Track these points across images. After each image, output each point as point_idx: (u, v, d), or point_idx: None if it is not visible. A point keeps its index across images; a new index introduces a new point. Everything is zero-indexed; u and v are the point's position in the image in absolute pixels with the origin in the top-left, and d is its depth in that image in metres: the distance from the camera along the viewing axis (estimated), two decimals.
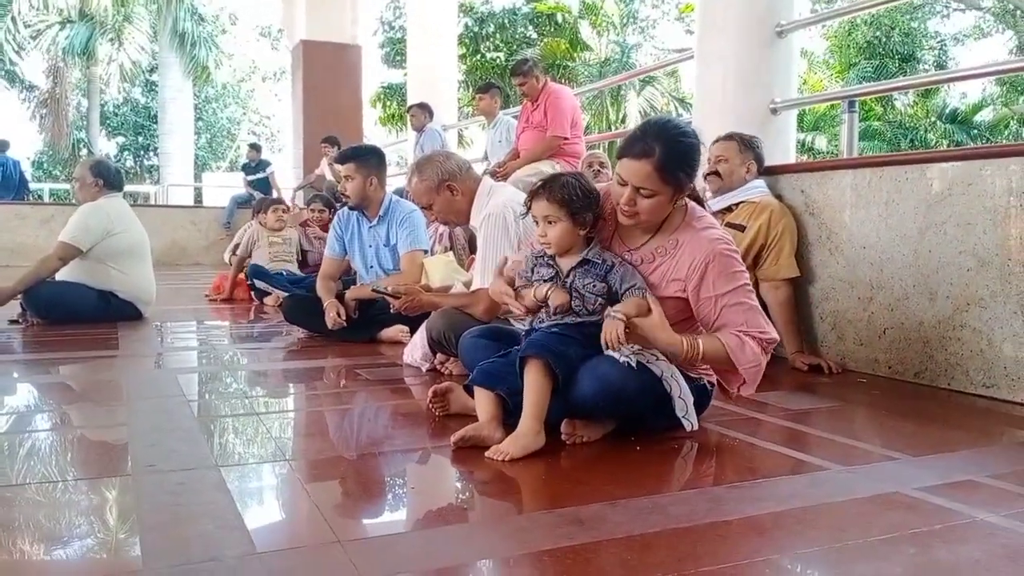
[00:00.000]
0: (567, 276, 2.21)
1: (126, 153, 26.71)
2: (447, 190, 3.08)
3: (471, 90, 8.13)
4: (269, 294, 5.78)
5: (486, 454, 2.00)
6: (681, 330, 2.15)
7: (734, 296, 2.14)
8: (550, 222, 2.20)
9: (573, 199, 2.18)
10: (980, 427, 2.50)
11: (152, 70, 22.69)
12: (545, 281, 2.22)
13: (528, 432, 2.04)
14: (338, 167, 4.24)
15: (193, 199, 17.94)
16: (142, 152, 26.75)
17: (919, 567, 1.41)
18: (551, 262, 2.25)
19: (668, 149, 2.07)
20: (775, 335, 2.19)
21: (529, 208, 2.26)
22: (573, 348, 2.12)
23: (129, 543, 1.52)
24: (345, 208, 4.29)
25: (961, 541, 1.52)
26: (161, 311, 5.09)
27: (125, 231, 4.62)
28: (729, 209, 3.57)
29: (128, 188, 18.45)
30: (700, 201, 2.32)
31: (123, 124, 26.42)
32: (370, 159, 4.07)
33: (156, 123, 21.58)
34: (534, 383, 2.08)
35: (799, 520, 1.64)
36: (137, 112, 26.42)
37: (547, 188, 2.21)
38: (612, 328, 2.04)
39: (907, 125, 20.00)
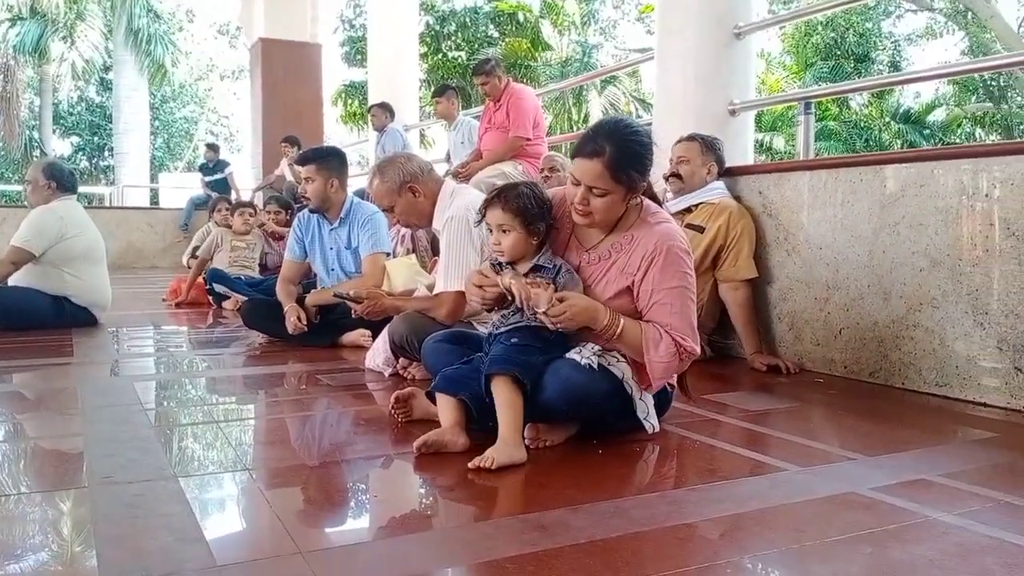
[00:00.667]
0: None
1: (80, 153, 26.19)
2: (409, 192, 3.07)
3: (432, 89, 8.12)
4: (228, 298, 5.71)
5: (470, 464, 1.97)
6: None
7: (670, 295, 2.16)
8: (504, 231, 2.22)
9: (527, 208, 2.21)
10: (933, 426, 2.56)
11: (107, 68, 22.26)
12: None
13: (509, 442, 2.03)
14: (299, 169, 4.21)
15: (149, 200, 17.64)
16: (97, 152, 26.25)
17: (875, 567, 1.44)
18: (507, 268, 2.26)
19: (619, 148, 2.11)
20: (697, 350, 2.20)
21: (483, 216, 2.27)
22: (534, 356, 2.14)
23: (85, 557, 1.49)
24: (306, 210, 4.25)
25: (915, 541, 1.56)
26: (117, 316, 5.00)
27: (79, 234, 4.53)
28: (689, 210, 3.61)
29: (82, 189, 18.10)
30: (656, 200, 2.34)
31: (78, 123, 25.91)
32: (331, 161, 4.04)
33: (111, 122, 21.20)
34: (506, 399, 2.08)
35: (758, 521, 1.67)
36: (92, 111, 25.92)
37: (501, 197, 2.23)
38: (532, 289, 2.09)
39: (862, 125, 20.36)
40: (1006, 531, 1.60)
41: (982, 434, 2.43)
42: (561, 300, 2.10)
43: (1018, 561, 1.46)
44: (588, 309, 2.14)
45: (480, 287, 2.21)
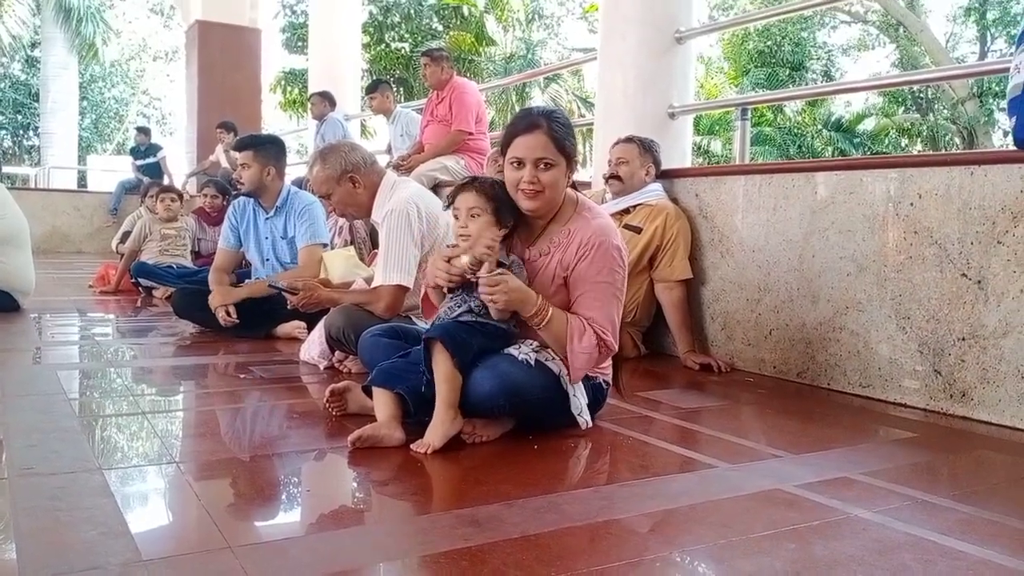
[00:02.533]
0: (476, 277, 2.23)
1: (3, 132, 25.14)
2: (349, 182, 3.04)
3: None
4: (156, 288, 5.57)
5: (411, 446, 2.04)
6: None
7: (597, 289, 2.21)
8: (473, 215, 2.21)
9: (499, 197, 2.23)
10: (856, 425, 2.64)
11: (34, 45, 21.41)
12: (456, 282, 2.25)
13: (444, 420, 2.08)
14: (235, 154, 4.13)
15: (77, 183, 17.06)
16: (21, 132, 25.23)
17: (798, 562, 1.49)
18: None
19: (554, 121, 2.19)
20: (615, 346, 2.25)
21: (452, 202, 2.26)
22: (475, 338, 2.15)
23: (4, 550, 1.44)
24: (241, 197, 4.17)
25: (836, 537, 1.61)
26: (40, 302, 4.83)
27: (2, 217, 4.36)
28: (627, 211, 3.65)
29: (5, 170, 17.41)
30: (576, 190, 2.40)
31: (0, 101, 24.86)
32: (269, 148, 3.99)
33: (37, 101, 20.39)
34: (443, 372, 2.09)
35: (687, 517, 1.71)
36: (16, 89, 24.88)
37: (475, 183, 2.25)
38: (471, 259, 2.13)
39: (796, 132, 20.89)
40: (923, 528, 1.67)
41: (902, 434, 2.52)
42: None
43: (933, 557, 1.53)
44: (520, 290, 2.16)
45: (447, 262, 2.22)
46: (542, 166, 2.17)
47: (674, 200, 3.72)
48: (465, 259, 2.16)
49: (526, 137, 2.18)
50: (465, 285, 2.22)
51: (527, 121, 2.19)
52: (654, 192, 3.67)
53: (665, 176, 3.79)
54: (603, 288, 2.20)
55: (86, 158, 21.01)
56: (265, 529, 1.64)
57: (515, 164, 2.19)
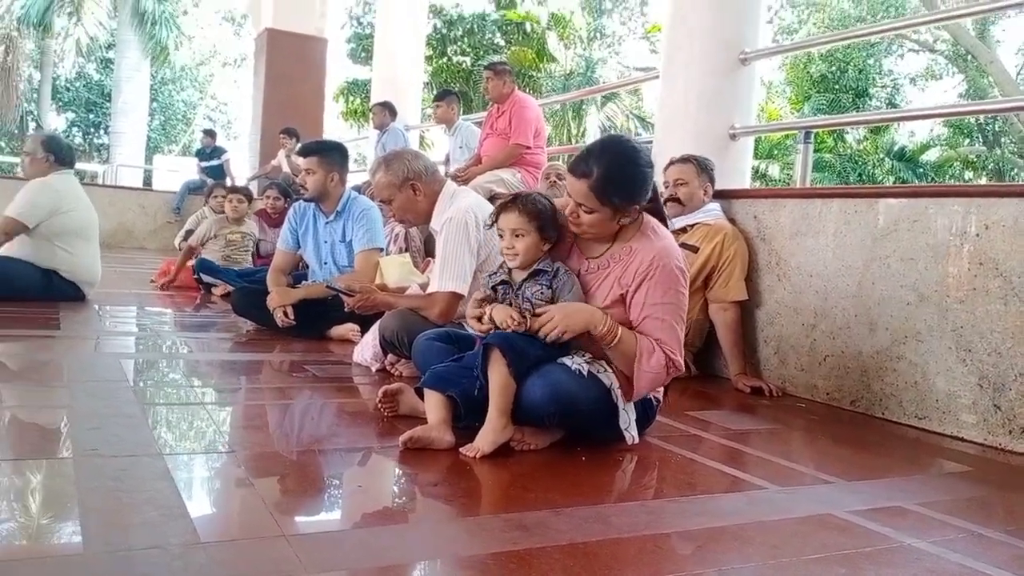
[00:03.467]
0: (519, 287, 2.26)
1: (75, 129, 26.04)
2: (410, 189, 3.09)
3: (435, 93, 8.21)
4: (217, 285, 5.70)
5: (461, 450, 2.08)
6: None
7: (662, 310, 2.20)
8: (518, 235, 2.25)
9: (542, 213, 2.25)
10: (910, 456, 2.59)
11: (109, 47, 22.17)
12: (496, 290, 2.30)
13: (496, 428, 2.10)
14: (300, 160, 4.23)
15: (143, 181, 17.57)
16: (92, 130, 26.12)
17: None
18: (505, 275, 2.31)
19: (606, 173, 2.15)
20: (682, 365, 2.25)
21: (495, 220, 2.29)
22: (534, 349, 2.16)
23: (69, 527, 1.50)
24: (301, 201, 4.26)
25: (889, 564, 1.59)
26: (104, 294, 4.99)
27: (74, 210, 4.52)
28: (684, 230, 3.64)
29: (77, 165, 18.01)
30: (662, 215, 2.38)
31: (74, 100, 25.76)
32: (334, 155, 4.07)
33: (109, 101, 21.10)
34: (498, 381, 2.12)
35: (735, 536, 1.69)
36: (90, 88, 25.79)
37: (518, 202, 2.27)
38: (507, 313, 2.15)
39: (857, 159, 20.54)
40: (977, 561, 1.63)
41: (958, 467, 2.46)
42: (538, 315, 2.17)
43: None
44: (579, 312, 2.17)
45: (478, 319, 2.27)
46: (584, 209, 2.20)
47: (731, 221, 3.70)
48: (483, 328, 2.22)
49: (573, 180, 2.19)
50: (507, 284, 2.28)
51: (582, 166, 2.16)
52: (712, 212, 3.65)
53: (724, 196, 3.77)
54: (669, 309, 2.20)
55: (153, 158, 21.64)
56: (317, 521, 1.68)
57: (568, 192, 2.23)
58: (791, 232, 3.49)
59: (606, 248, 2.30)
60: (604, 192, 2.15)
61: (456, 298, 2.94)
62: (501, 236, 2.29)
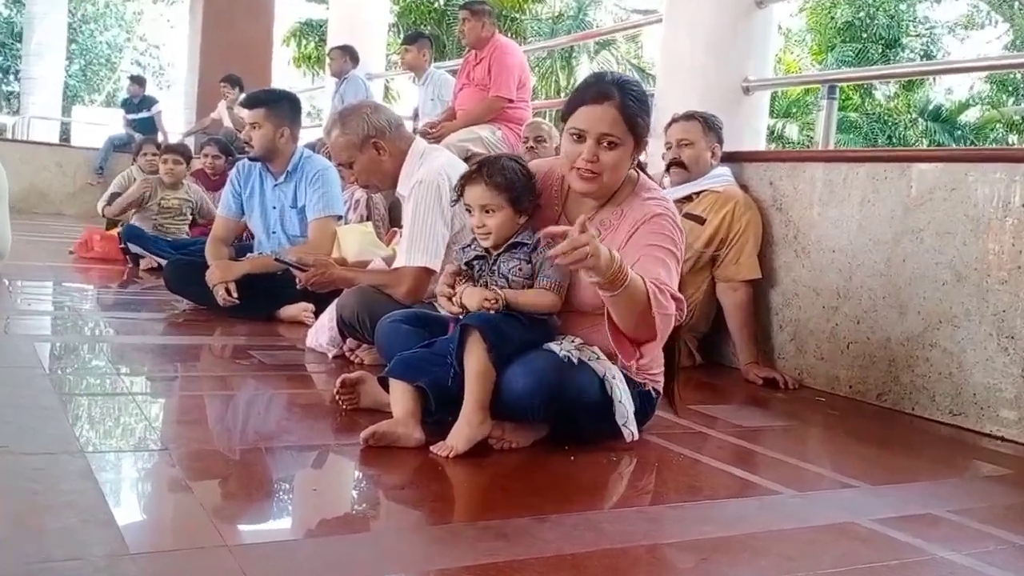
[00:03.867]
0: (494, 261, 2.27)
1: None
2: (373, 148, 3.07)
3: (402, 36, 8.12)
4: (145, 256, 5.65)
5: (431, 448, 2.07)
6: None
7: (656, 251, 2.21)
8: (488, 211, 2.24)
9: (515, 184, 2.25)
10: (944, 457, 2.63)
11: None
12: (471, 265, 2.31)
13: (472, 423, 2.10)
14: (244, 112, 4.19)
15: (60, 136, 17.32)
16: (0, 75, 25.70)
17: None
18: (480, 248, 2.32)
19: (628, 92, 2.19)
20: (682, 315, 2.19)
21: (460, 195, 2.29)
22: (518, 332, 2.16)
23: None
24: (246, 160, 4.23)
25: None
26: (15, 267, 4.92)
27: None
28: (689, 198, 3.64)
29: None
30: (643, 171, 2.41)
31: None
32: (283, 106, 4.03)
33: (19, 42, 20.73)
34: (477, 363, 2.11)
35: (745, 546, 1.71)
36: None
37: (484, 172, 2.26)
38: (482, 296, 2.16)
39: (886, 119, 20.68)
40: (1018, 575, 1.66)
41: (997, 470, 2.50)
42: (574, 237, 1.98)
43: None
44: (599, 247, 2.00)
45: (449, 298, 2.28)
46: (606, 144, 2.19)
47: (743, 187, 3.71)
48: (455, 309, 2.24)
49: (593, 108, 2.18)
50: (482, 259, 2.29)
51: (597, 89, 2.20)
52: (721, 177, 3.66)
53: (735, 160, 3.78)
54: (663, 253, 2.20)
55: (71, 109, 21.35)
56: (265, 529, 1.68)
57: (575, 136, 2.21)
58: (811, 201, 3.50)
59: (595, 213, 2.31)
60: (630, 111, 2.19)
61: (426, 274, 2.93)
62: (469, 212, 2.28)
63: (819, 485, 2.18)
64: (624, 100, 2.18)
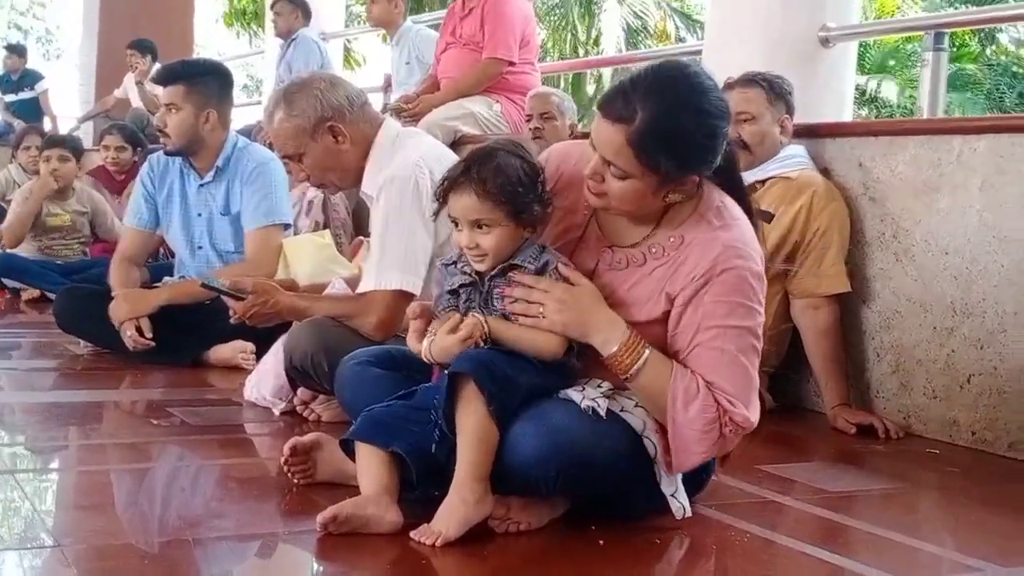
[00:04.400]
0: (485, 287, 2.25)
1: None
2: (328, 134, 3.08)
3: None
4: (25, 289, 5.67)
5: (412, 534, 2.05)
6: None
7: (722, 338, 2.17)
8: (481, 227, 2.21)
9: (517, 192, 2.19)
10: None
11: None
12: (456, 293, 2.29)
13: (467, 499, 2.08)
14: (155, 90, 4.22)
15: None
16: None
17: None
18: (470, 271, 2.27)
19: (656, 120, 2.10)
20: (753, 421, 2.20)
21: (443, 204, 2.26)
22: (524, 374, 2.15)
23: None
24: (160, 153, 4.25)
25: None
26: None
27: None
28: (753, 188, 3.64)
29: None
30: (738, 186, 2.33)
31: None
32: (208, 82, 4.06)
33: None
34: (473, 420, 2.10)
35: None
36: None
37: (475, 175, 2.21)
38: (458, 340, 2.15)
39: (1015, 72, 20.67)
40: None
41: None
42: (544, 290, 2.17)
43: None
44: (590, 312, 2.16)
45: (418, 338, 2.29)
46: (612, 169, 2.16)
47: (824, 172, 3.71)
48: (434, 352, 2.22)
49: (603, 124, 2.14)
50: (475, 284, 2.26)
51: (618, 105, 2.11)
52: (794, 160, 3.66)
53: (812, 135, 3.78)
54: (733, 336, 2.17)
55: None
56: None
57: (592, 143, 2.20)
58: (915, 187, 3.50)
59: (645, 235, 2.29)
60: (648, 150, 2.10)
61: (403, 299, 2.91)
62: (456, 225, 2.26)
63: (934, 569, 2.17)
64: (642, 131, 2.09)
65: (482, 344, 2.15)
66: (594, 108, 2.22)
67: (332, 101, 3.09)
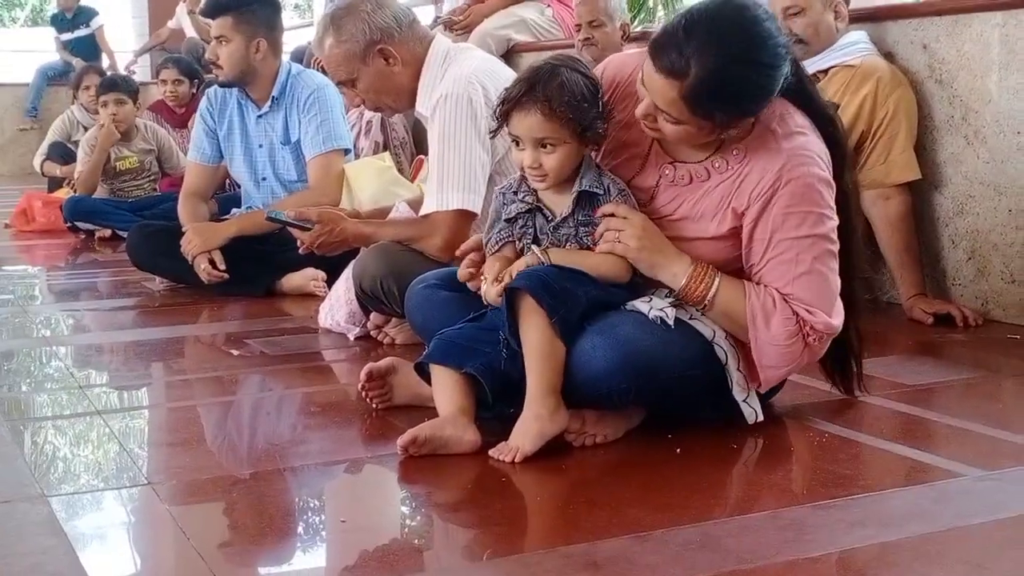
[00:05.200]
0: (556, 224, 2.25)
1: None
2: (379, 57, 3.07)
3: None
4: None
5: (491, 452, 2.09)
6: None
7: (796, 247, 2.17)
8: (547, 145, 2.20)
9: (582, 108, 2.18)
10: None
11: None
12: (517, 220, 2.29)
13: (541, 415, 2.10)
14: (207, 21, 4.22)
15: None
16: None
17: None
18: (531, 199, 2.27)
19: (711, 76, 2.06)
20: (836, 326, 2.21)
21: (504, 123, 2.25)
22: (584, 287, 2.16)
23: None
24: (216, 87, 4.26)
25: None
26: None
27: None
28: (815, 79, 3.58)
29: None
30: (806, 90, 2.28)
31: None
32: (256, 11, 4.05)
33: None
34: (537, 336, 2.12)
35: (919, 553, 1.71)
36: None
37: (541, 93, 2.18)
38: (520, 264, 2.19)
39: None
40: None
41: None
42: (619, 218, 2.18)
43: None
44: (661, 251, 2.19)
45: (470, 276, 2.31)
46: (667, 118, 2.14)
47: (887, 56, 3.64)
48: (493, 292, 2.20)
49: (655, 76, 2.10)
50: (533, 212, 2.27)
51: (670, 58, 2.07)
52: (855, 46, 3.59)
53: (871, 19, 3.71)
54: (807, 244, 2.17)
55: None
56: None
57: (642, 80, 2.17)
58: (985, 67, 3.42)
59: (708, 154, 2.26)
60: (702, 104, 2.09)
61: (465, 218, 2.93)
62: (517, 143, 2.25)
63: (1016, 459, 2.16)
64: (695, 85, 2.05)
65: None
66: (645, 50, 2.16)
67: (380, 23, 3.07)
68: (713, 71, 2.05)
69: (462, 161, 2.94)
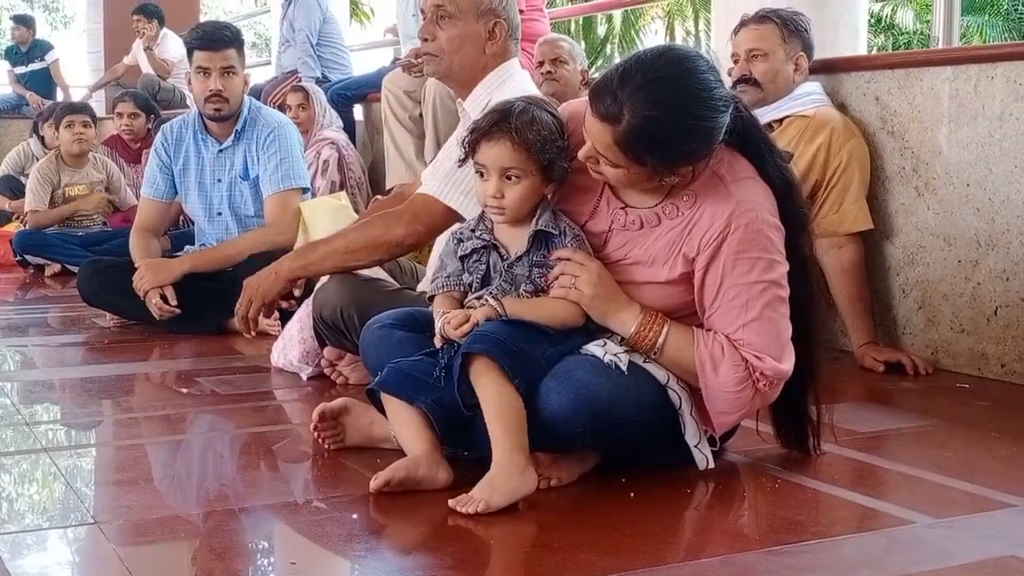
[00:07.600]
0: (510, 263, 2.27)
1: None
2: (487, 26, 3.02)
3: None
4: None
5: (451, 503, 2.04)
6: None
7: (744, 292, 2.18)
8: (511, 177, 2.22)
9: (549, 142, 2.21)
10: None
11: None
12: (468, 260, 2.31)
13: (511, 472, 2.07)
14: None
15: None
16: None
17: None
18: (487, 237, 2.29)
19: (640, 123, 2.09)
20: (785, 371, 2.22)
21: (470, 150, 2.27)
22: (540, 346, 2.17)
23: None
24: (176, 121, 4.26)
25: None
26: None
27: None
28: (769, 127, 3.62)
29: None
30: (756, 131, 2.31)
31: None
32: (242, 46, 4.08)
33: None
34: (497, 401, 2.11)
35: None
36: None
37: (514, 124, 2.21)
38: (478, 315, 2.17)
39: None
40: None
41: None
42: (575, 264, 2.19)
43: None
44: (611, 298, 2.21)
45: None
46: (606, 162, 2.17)
47: (840, 108, 3.69)
48: (449, 329, 2.20)
49: (592, 120, 2.15)
50: (485, 251, 2.29)
51: (605, 103, 2.10)
52: (810, 97, 3.63)
53: (827, 71, 3.75)
54: (757, 291, 2.18)
55: None
56: None
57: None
58: (935, 119, 3.47)
59: (658, 200, 2.27)
60: (634, 150, 2.12)
61: (449, 218, 2.83)
62: (481, 175, 2.27)
63: (966, 507, 2.17)
64: (628, 132, 2.09)
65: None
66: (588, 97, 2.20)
67: (509, 10, 3.07)
68: (645, 118, 2.08)
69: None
